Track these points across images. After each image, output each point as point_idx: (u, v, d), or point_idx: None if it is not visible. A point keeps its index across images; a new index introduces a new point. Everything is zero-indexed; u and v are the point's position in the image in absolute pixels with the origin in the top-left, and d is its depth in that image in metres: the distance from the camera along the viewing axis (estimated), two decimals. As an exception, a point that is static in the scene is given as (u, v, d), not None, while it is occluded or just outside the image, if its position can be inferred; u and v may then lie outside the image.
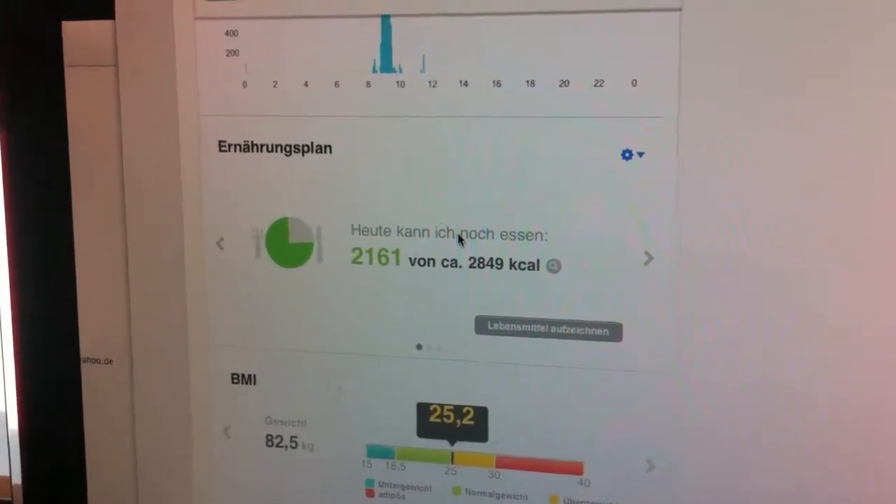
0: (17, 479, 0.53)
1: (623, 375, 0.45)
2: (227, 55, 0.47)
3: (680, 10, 0.42)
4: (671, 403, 0.45)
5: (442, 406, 0.48)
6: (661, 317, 0.44)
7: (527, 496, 0.48)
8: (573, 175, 0.44)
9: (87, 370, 0.51)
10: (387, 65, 0.45)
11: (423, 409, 0.48)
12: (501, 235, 0.45)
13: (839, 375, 0.43)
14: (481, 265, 0.46)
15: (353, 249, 0.47)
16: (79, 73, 0.49)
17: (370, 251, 0.47)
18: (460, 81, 0.45)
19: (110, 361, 0.51)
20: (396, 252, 0.47)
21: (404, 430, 0.49)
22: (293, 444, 0.50)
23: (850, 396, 0.44)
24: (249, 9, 0.46)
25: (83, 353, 0.51)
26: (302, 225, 0.48)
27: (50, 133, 0.49)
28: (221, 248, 0.49)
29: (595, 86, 0.43)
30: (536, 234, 0.45)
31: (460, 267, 0.46)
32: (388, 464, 0.49)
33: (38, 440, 0.53)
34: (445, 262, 0.46)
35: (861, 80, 0.41)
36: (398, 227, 0.47)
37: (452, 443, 0.48)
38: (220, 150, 0.48)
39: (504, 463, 0.48)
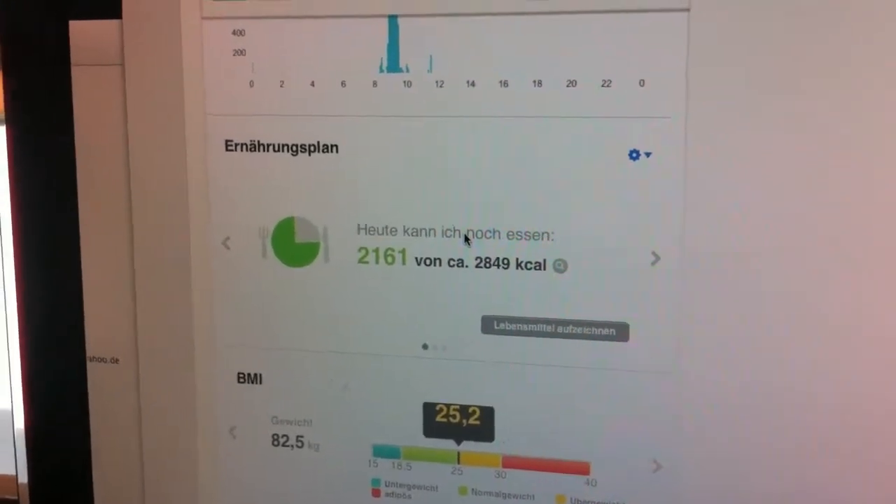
0: (23, 477, 0.53)
1: (630, 375, 0.45)
2: (234, 55, 0.47)
3: (688, 10, 0.42)
4: (678, 403, 0.45)
5: (448, 406, 0.48)
6: (668, 317, 0.44)
7: (533, 496, 0.48)
8: (580, 175, 0.44)
9: (92, 369, 0.51)
10: (394, 65, 0.45)
11: (430, 409, 0.48)
12: (508, 235, 0.45)
13: (844, 376, 0.43)
14: (488, 265, 0.46)
15: (360, 249, 0.47)
16: (85, 73, 0.49)
17: (376, 251, 0.47)
18: (467, 81, 0.45)
19: (116, 360, 0.51)
20: (403, 252, 0.47)
21: (410, 430, 0.49)
22: (299, 444, 0.50)
23: (856, 396, 0.43)
24: (256, 8, 0.46)
25: (89, 353, 0.51)
26: (308, 224, 0.48)
27: (56, 132, 0.49)
28: (228, 248, 0.49)
29: (602, 86, 0.43)
30: (543, 233, 0.45)
31: (467, 267, 0.46)
32: (394, 463, 0.49)
33: (44, 439, 0.53)
34: (452, 262, 0.46)
35: (870, 80, 0.41)
36: (404, 226, 0.47)
37: (459, 442, 0.48)
38: (227, 150, 0.48)
39: (510, 463, 0.48)
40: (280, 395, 0.50)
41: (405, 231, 0.47)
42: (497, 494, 0.48)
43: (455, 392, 0.48)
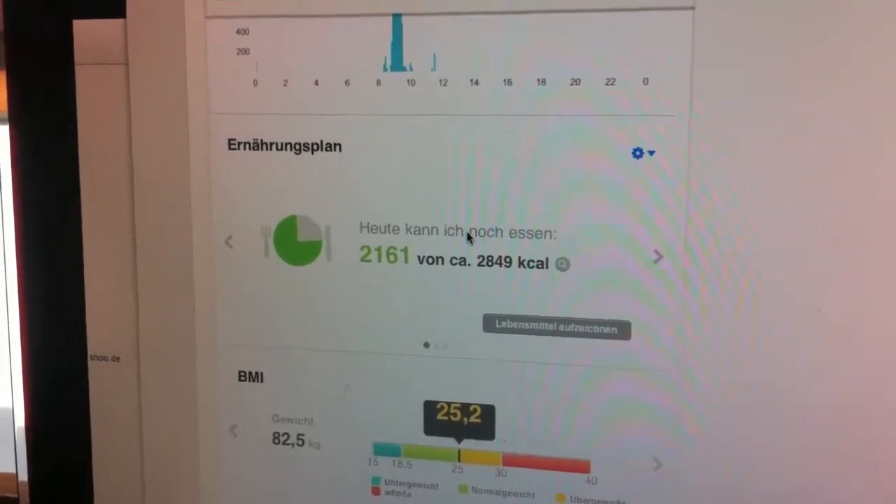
0: (23, 476, 0.53)
1: (631, 374, 0.46)
2: (238, 53, 0.47)
3: (693, 8, 0.42)
4: (679, 402, 0.45)
5: (449, 404, 0.48)
6: (670, 315, 0.45)
7: (533, 494, 0.48)
8: (583, 173, 0.44)
9: (94, 368, 0.51)
10: (397, 63, 0.45)
11: (430, 407, 0.48)
12: (510, 234, 0.46)
13: (845, 376, 0.44)
14: (490, 263, 0.46)
15: (362, 247, 0.47)
16: (89, 72, 0.49)
17: (379, 249, 0.47)
18: (471, 80, 0.45)
19: (117, 359, 0.51)
20: (405, 250, 0.47)
21: (411, 428, 0.49)
22: (300, 442, 0.50)
23: (855, 396, 0.44)
24: (260, 7, 0.46)
25: (90, 351, 0.51)
26: (311, 223, 0.48)
27: (60, 131, 0.49)
28: (230, 247, 0.49)
29: (606, 84, 0.44)
30: (545, 232, 0.45)
31: (469, 265, 0.46)
32: (394, 462, 0.49)
33: (44, 437, 0.53)
34: (454, 261, 0.47)
35: (873, 80, 0.42)
36: (407, 225, 0.47)
37: (459, 441, 0.48)
38: (230, 149, 0.48)
39: (511, 461, 0.48)
40: (281, 393, 0.50)
41: (407, 229, 0.47)
42: (497, 493, 0.48)
43: (456, 390, 0.48)
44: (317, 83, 0.46)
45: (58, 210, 0.50)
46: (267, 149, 0.47)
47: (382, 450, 0.49)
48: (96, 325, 0.51)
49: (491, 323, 0.47)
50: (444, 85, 0.45)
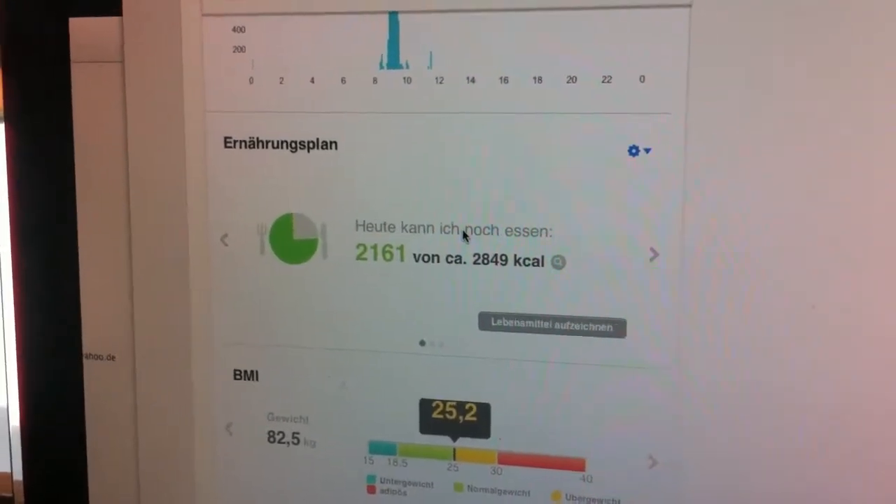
0: (18, 475, 0.53)
1: (626, 372, 0.46)
2: (234, 51, 0.47)
3: (690, 6, 0.42)
4: (674, 400, 0.45)
5: (444, 402, 0.48)
6: (666, 313, 0.45)
7: (529, 492, 0.48)
8: (579, 171, 0.44)
9: (89, 366, 0.51)
10: (394, 61, 0.45)
11: (426, 406, 0.48)
12: (506, 232, 0.46)
13: (841, 374, 0.44)
14: (486, 261, 0.46)
15: (358, 245, 0.47)
16: (85, 70, 0.49)
17: (374, 247, 0.47)
18: (467, 78, 0.45)
19: (112, 358, 0.51)
20: (401, 248, 0.47)
21: (407, 427, 0.49)
22: (295, 441, 0.50)
23: (852, 395, 0.44)
24: (256, 5, 0.47)
25: (85, 350, 0.51)
26: (307, 221, 0.48)
27: (56, 129, 0.49)
28: (226, 245, 0.49)
29: (603, 82, 0.44)
30: (541, 230, 0.45)
31: (465, 263, 0.46)
32: (390, 460, 0.49)
33: (39, 437, 0.53)
34: (450, 259, 0.47)
35: (870, 79, 0.42)
36: (403, 223, 0.47)
37: (455, 439, 0.48)
38: (226, 147, 0.48)
39: (506, 459, 0.48)
40: (277, 392, 0.50)
41: (403, 227, 0.47)
42: (493, 491, 0.48)
43: (452, 389, 0.48)
44: (313, 81, 0.46)
45: (53, 208, 0.50)
46: (263, 147, 0.48)
47: (378, 448, 0.49)
48: (91, 323, 0.51)
49: (486, 321, 0.47)
50: (441, 83, 0.45)
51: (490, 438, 0.48)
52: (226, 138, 0.48)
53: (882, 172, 0.42)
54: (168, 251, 0.49)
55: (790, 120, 0.42)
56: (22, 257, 0.51)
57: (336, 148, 0.47)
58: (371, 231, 0.47)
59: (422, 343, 0.48)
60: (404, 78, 0.45)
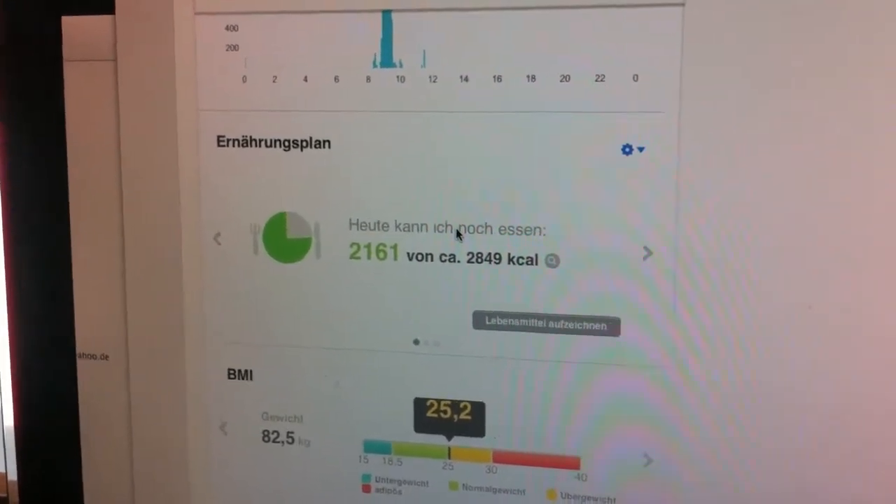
0: (12, 475, 0.53)
1: (621, 370, 0.46)
2: (227, 50, 0.47)
3: (683, 4, 0.42)
4: (668, 398, 0.45)
5: (439, 401, 0.48)
6: (660, 312, 0.45)
7: (524, 491, 0.48)
8: (573, 170, 0.44)
9: (82, 366, 0.51)
10: (387, 60, 0.45)
11: (420, 405, 0.48)
12: (500, 230, 0.46)
13: (837, 372, 0.44)
14: (479, 260, 0.46)
15: (351, 244, 0.47)
16: (78, 68, 0.49)
17: (368, 246, 0.47)
18: (461, 76, 0.45)
19: (106, 357, 0.51)
20: (394, 247, 0.47)
21: (401, 426, 0.49)
22: (290, 440, 0.50)
23: (848, 393, 0.44)
24: (249, 3, 0.46)
25: (79, 349, 0.51)
26: (300, 220, 0.48)
27: (48, 128, 0.49)
28: (219, 244, 0.49)
29: (596, 81, 0.44)
30: (535, 228, 0.45)
31: (458, 262, 0.46)
32: (384, 459, 0.49)
33: (33, 436, 0.53)
34: (443, 257, 0.47)
35: (864, 76, 0.42)
36: (396, 221, 0.47)
37: (449, 438, 0.48)
38: (219, 145, 0.48)
39: (501, 458, 0.48)
40: (271, 391, 0.50)
41: (397, 226, 0.47)
42: (488, 489, 0.48)
43: (446, 387, 0.48)
44: (306, 80, 0.46)
45: (46, 207, 0.50)
46: (256, 145, 0.47)
47: (372, 447, 0.49)
48: (85, 322, 0.51)
49: (481, 320, 0.47)
50: (434, 81, 0.45)
51: (485, 437, 0.48)
52: (219, 137, 0.48)
53: (879, 171, 0.42)
54: (161, 250, 0.49)
55: (784, 119, 0.42)
56: (14, 257, 0.51)
57: (329, 147, 0.47)
58: (364, 230, 0.47)
59: (416, 342, 0.47)
60: (398, 77, 0.45)
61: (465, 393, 0.48)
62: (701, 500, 0.46)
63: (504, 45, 0.44)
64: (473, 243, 0.46)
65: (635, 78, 0.43)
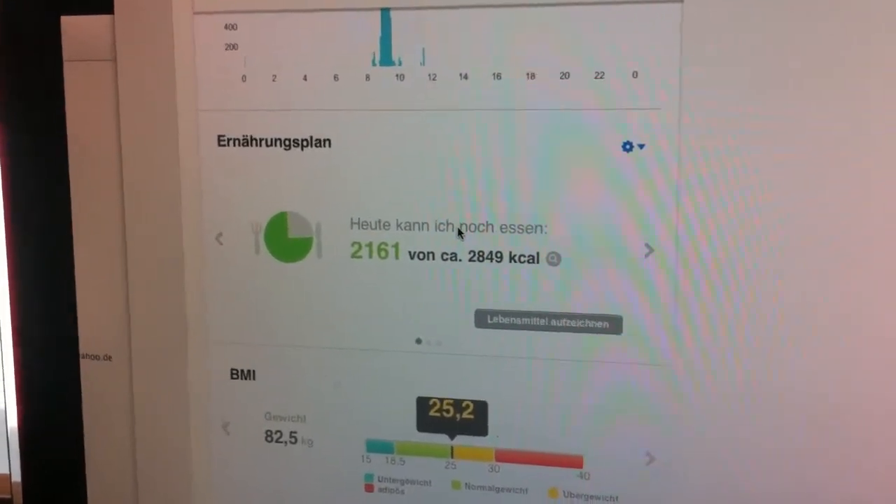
0: (16, 476, 0.53)
1: (623, 368, 0.45)
2: (226, 49, 0.47)
3: (681, 1, 0.42)
4: (671, 396, 0.45)
5: (441, 400, 0.48)
6: (662, 309, 0.45)
7: (527, 490, 0.48)
8: (573, 167, 0.44)
9: (85, 367, 0.51)
10: (386, 58, 0.45)
11: (423, 404, 0.48)
12: (501, 228, 0.45)
13: (839, 369, 0.44)
14: (481, 258, 0.46)
15: (353, 244, 0.47)
16: (77, 68, 0.49)
17: (369, 245, 0.47)
18: (460, 74, 0.45)
19: (109, 358, 0.51)
20: (396, 246, 0.47)
21: (404, 425, 0.49)
22: (292, 440, 0.50)
23: (850, 391, 0.44)
24: (248, 3, 0.46)
25: (82, 350, 0.51)
26: (301, 219, 0.48)
27: (48, 128, 0.49)
28: (220, 244, 0.49)
29: (595, 78, 0.43)
30: (536, 226, 0.45)
31: (460, 260, 0.46)
32: (387, 458, 0.49)
33: (37, 437, 0.53)
34: (445, 256, 0.46)
35: (863, 73, 0.41)
36: (397, 220, 0.47)
37: (452, 437, 0.48)
38: (219, 145, 0.48)
39: (504, 457, 0.48)
40: (273, 391, 0.50)
41: (398, 225, 0.47)
42: (490, 488, 0.48)
43: (448, 386, 0.48)
44: (305, 78, 0.46)
45: (47, 207, 0.50)
46: (256, 145, 0.47)
47: (375, 447, 0.49)
48: (87, 323, 0.51)
49: (483, 318, 0.46)
50: (434, 79, 0.45)
51: (487, 436, 0.48)
52: (219, 136, 0.48)
53: (878, 169, 0.42)
54: (163, 250, 0.49)
55: (785, 115, 0.42)
56: (17, 258, 0.51)
57: (329, 145, 0.47)
58: (366, 229, 0.47)
59: (418, 341, 0.47)
60: (397, 75, 0.45)
61: (468, 392, 0.48)
62: (703, 499, 0.46)
63: (503, 42, 0.44)
64: (475, 242, 0.46)
65: (635, 75, 0.43)
